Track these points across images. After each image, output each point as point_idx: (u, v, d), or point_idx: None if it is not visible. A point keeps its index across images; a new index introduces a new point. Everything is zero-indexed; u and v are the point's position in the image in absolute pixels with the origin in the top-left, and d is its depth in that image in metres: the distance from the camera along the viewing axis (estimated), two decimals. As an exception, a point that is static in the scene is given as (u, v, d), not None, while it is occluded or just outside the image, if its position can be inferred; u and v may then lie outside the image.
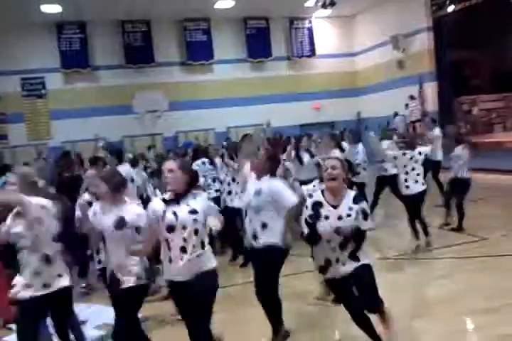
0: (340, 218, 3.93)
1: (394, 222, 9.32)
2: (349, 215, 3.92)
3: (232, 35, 20.31)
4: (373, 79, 20.72)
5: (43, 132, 18.33)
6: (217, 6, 18.05)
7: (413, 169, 7.28)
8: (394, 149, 8.02)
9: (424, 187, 7.39)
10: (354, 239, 3.97)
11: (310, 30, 21.32)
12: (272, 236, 4.55)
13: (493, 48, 19.54)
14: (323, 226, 3.95)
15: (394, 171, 8.44)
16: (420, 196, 7.39)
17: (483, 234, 7.82)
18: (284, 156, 7.90)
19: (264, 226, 4.58)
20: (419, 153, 7.36)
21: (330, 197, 4.01)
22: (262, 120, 19.46)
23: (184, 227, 3.67)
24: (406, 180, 7.34)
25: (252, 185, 4.76)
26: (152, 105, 19.09)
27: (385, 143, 8.96)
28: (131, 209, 4.06)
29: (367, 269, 4.15)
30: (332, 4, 17.14)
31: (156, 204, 3.79)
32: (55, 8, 16.33)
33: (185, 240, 3.67)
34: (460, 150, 8.25)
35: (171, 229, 3.69)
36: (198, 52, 19.70)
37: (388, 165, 8.85)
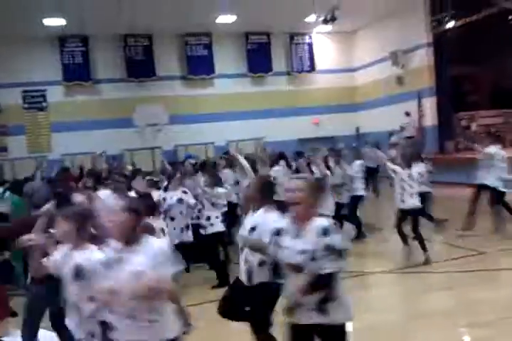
0: (303, 252, 3.16)
1: (393, 236, 9.30)
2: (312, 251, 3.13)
3: (233, 50, 20.45)
4: (372, 94, 20.82)
5: (43, 145, 18.35)
6: (218, 20, 18.17)
7: (410, 186, 7.46)
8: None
9: (419, 204, 7.53)
10: (316, 283, 3.12)
11: (310, 45, 21.47)
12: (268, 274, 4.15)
13: (493, 64, 19.62)
14: (281, 259, 3.34)
15: (362, 192, 9.38)
16: (415, 211, 7.54)
17: (482, 248, 7.81)
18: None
19: (261, 264, 4.16)
20: (418, 173, 7.87)
21: (294, 224, 3.33)
22: (261, 134, 19.77)
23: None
24: (402, 195, 7.48)
25: (248, 219, 4.30)
26: (152, 118, 19.14)
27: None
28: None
29: (337, 333, 3.33)
30: (333, 20, 17.24)
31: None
32: (57, 22, 16.38)
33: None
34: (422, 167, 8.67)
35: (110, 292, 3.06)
36: (199, 66, 19.81)
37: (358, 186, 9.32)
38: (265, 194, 4.26)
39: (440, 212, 9.64)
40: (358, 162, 9.55)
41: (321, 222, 3.21)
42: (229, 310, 4.47)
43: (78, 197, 4.19)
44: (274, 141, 19.29)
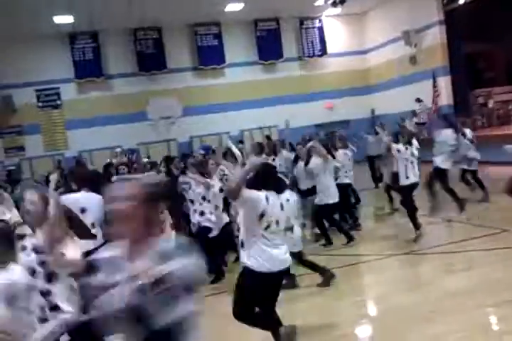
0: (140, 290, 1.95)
1: (404, 218, 9.28)
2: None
3: (242, 38, 20.34)
4: (386, 75, 20.58)
5: (59, 142, 18.50)
6: (227, 9, 18.11)
7: (412, 162, 7.83)
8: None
9: (418, 180, 8.05)
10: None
11: (320, 29, 21.26)
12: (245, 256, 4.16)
13: (507, 40, 19.25)
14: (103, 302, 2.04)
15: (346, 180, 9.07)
16: (415, 186, 8.01)
17: (505, 225, 7.71)
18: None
19: (242, 244, 4.18)
20: (417, 149, 7.98)
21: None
22: (275, 122, 19.68)
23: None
24: (406, 172, 7.81)
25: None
26: (166, 111, 19.19)
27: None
28: None
29: None
30: (342, 2, 17.09)
31: None
32: (67, 19, 16.49)
33: None
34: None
35: None
36: (210, 56, 19.76)
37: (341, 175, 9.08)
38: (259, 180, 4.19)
39: (459, 191, 9.52)
40: (341, 151, 9.16)
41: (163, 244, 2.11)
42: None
43: (32, 196, 3.80)
44: (289, 128, 19.20)
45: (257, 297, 4.20)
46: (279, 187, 4.26)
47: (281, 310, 4.47)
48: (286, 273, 4.61)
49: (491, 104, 18.64)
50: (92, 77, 18.69)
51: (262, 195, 4.06)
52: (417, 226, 7.79)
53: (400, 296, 5.63)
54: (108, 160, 11.67)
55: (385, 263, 7.07)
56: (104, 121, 18.40)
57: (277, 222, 4.15)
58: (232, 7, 18.03)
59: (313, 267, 6.22)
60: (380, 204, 11.32)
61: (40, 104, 18.37)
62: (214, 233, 6.98)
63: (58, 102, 18.54)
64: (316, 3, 18.70)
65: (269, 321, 4.33)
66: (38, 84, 18.15)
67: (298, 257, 5.79)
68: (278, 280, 4.28)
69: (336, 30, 21.58)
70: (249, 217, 4.10)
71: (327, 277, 6.13)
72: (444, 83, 17.72)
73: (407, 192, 8.04)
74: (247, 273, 4.14)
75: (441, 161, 8.98)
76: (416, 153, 7.93)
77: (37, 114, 18.26)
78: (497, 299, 5.09)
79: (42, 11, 15.17)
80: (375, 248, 7.83)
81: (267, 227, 4.09)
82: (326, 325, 5.11)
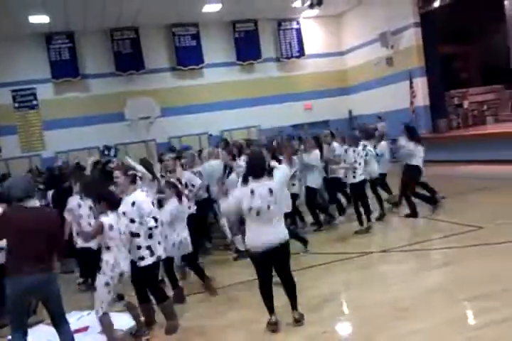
0: None
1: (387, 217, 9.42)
2: None
3: (221, 39, 20.32)
4: (363, 77, 20.76)
5: (36, 143, 18.27)
6: (204, 10, 18.10)
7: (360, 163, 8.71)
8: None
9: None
10: None
11: (298, 30, 21.36)
12: None
13: (481, 42, 19.61)
14: None
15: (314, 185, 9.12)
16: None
17: (480, 223, 7.86)
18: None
19: None
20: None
21: None
22: (254, 122, 19.78)
23: None
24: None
25: None
26: (144, 111, 19.08)
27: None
28: None
29: None
30: (319, 4, 17.16)
31: None
32: (43, 19, 16.32)
33: None
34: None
35: None
36: (188, 57, 19.71)
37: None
38: None
39: (436, 190, 9.68)
40: (315, 151, 9.09)
41: None
42: None
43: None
44: (268, 128, 19.33)
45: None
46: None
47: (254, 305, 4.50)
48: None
49: (466, 104, 18.91)
50: (68, 77, 18.48)
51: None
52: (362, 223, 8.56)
53: (374, 294, 5.70)
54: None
55: (361, 260, 7.15)
56: (82, 122, 18.24)
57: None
58: (209, 8, 18.03)
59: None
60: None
61: (16, 105, 18.11)
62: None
63: (34, 103, 18.31)
64: (294, 5, 18.78)
65: None
66: (14, 84, 17.90)
67: None
68: None
69: (313, 32, 21.70)
70: None
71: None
72: (421, 84, 17.93)
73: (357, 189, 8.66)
74: None
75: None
76: (362, 153, 8.57)
77: (13, 114, 18.00)
78: (471, 294, 5.20)
79: (17, 10, 15.01)
80: (351, 246, 7.92)
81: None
82: (309, 321, 5.13)
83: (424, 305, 5.16)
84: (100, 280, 4.94)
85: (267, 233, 4.87)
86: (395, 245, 7.58)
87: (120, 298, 5.22)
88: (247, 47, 20.48)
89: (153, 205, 5.53)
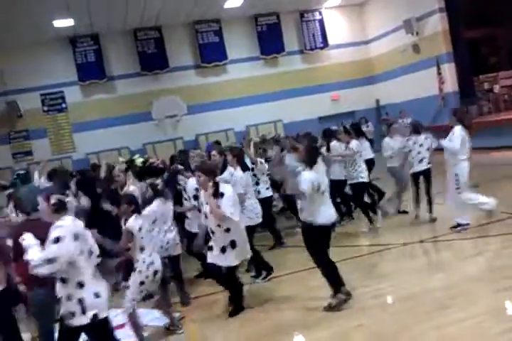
0: None
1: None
2: None
3: (243, 34, 20.27)
4: (389, 65, 20.46)
5: (66, 145, 18.56)
6: (226, 5, 18.08)
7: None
8: None
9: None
10: None
11: (321, 21, 21.15)
12: None
13: (509, 24, 19.14)
14: None
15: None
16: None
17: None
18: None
19: None
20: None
21: None
22: (280, 116, 19.70)
23: None
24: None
25: None
26: (170, 110, 19.23)
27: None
28: None
29: None
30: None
31: None
32: (67, 22, 16.49)
33: None
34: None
35: None
36: (211, 53, 19.72)
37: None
38: None
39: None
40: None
41: None
42: None
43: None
44: (294, 122, 19.26)
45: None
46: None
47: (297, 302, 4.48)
48: None
49: (496, 89, 18.49)
50: (95, 80, 18.69)
51: None
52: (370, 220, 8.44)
53: (414, 284, 5.63)
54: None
55: (397, 252, 7.06)
56: (110, 123, 18.46)
57: None
58: (231, 3, 18.00)
59: None
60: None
61: (45, 108, 18.42)
62: None
63: (63, 106, 18.59)
64: (315, -5, 18.64)
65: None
66: (43, 88, 18.21)
67: None
68: None
69: (336, 22, 21.45)
70: None
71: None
72: (448, 70, 17.61)
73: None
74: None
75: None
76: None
77: (43, 118, 18.33)
78: (510, 284, 5.08)
79: (42, 16, 15.22)
80: (385, 238, 7.81)
81: None
82: (343, 315, 5.12)
83: (463, 295, 5.07)
84: (135, 279, 4.99)
85: (331, 208, 5.48)
86: (429, 235, 7.47)
87: (150, 296, 5.27)
88: (270, 41, 20.38)
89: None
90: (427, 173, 8.37)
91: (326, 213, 5.36)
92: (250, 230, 6.38)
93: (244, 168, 7.04)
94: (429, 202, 8.33)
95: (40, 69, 17.77)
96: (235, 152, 7.16)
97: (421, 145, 8.35)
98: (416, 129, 8.58)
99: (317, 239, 5.38)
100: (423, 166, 8.34)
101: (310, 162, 5.32)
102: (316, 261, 5.47)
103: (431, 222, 8.21)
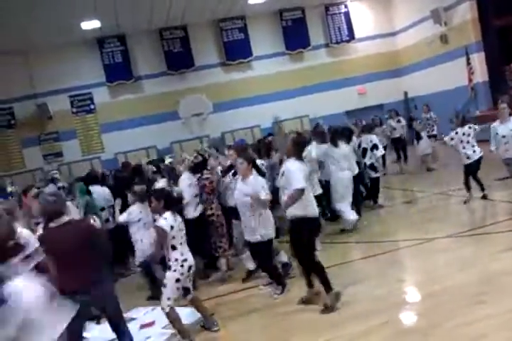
0: None
1: (449, 201, 9.10)
2: None
3: (268, 30, 20.17)
4: (417, 57, 20.11)
5: (95, 146, 18.81)
6: (250, 1, 18.03)
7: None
8: None
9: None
10: None
11: (346, 14, 20.91)
12: None
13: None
14: None
15: None
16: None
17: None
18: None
19: None
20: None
21: None
22: (307, 111, 19.56)
23: None
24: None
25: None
26: (197, 108, 19.27)
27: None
28: None
29: None
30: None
31: None
32: (94, 24, 16.66)
33: None
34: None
35: None
36: (236, 50, 19.69)
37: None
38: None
39: (499, 170, 9.28)
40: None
41: None
42: None
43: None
44: (321, 116, 19.08)
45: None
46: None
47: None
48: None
49: (528, 78, 18.02)
50: (122, 80, 18.87)
51: None
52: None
53: (446, 279, 5.53)
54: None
55: (426, 247, 6.92)
56: (137, 123, 18.63)
57: None
58: (255, -1, 17.95)
59: None
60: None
61: (74, 110, 18.67)
62: None
63: (92, 107, 18.82)
64: (340, -12, 18.43)
65: None
66: (71, 90, 18.46)
67: None
68: None
69: (362, 14, 21.18)
70: None
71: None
72: (478, 60, 17.22)
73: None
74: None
75: None
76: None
77: (72, 119, 18.59)
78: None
79: (69, 19, 15.40)
80: (414, 233, 7.67)
81: None
82: (373, 310, 5.04)
83: (494, 290, 4.95)
84: (170, 277, 4.98)
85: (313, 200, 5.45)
86: (459, 230, 7.30)
87: (187, 292, 5.25)
88: (295, 36, 20.24)
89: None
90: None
91: (314, 205, 5.37)
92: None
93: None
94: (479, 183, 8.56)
95: (69, 71, 18.01)
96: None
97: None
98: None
99: (309, 235, 5.33)
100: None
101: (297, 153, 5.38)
102: (307, 261, 5.38)
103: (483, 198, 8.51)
